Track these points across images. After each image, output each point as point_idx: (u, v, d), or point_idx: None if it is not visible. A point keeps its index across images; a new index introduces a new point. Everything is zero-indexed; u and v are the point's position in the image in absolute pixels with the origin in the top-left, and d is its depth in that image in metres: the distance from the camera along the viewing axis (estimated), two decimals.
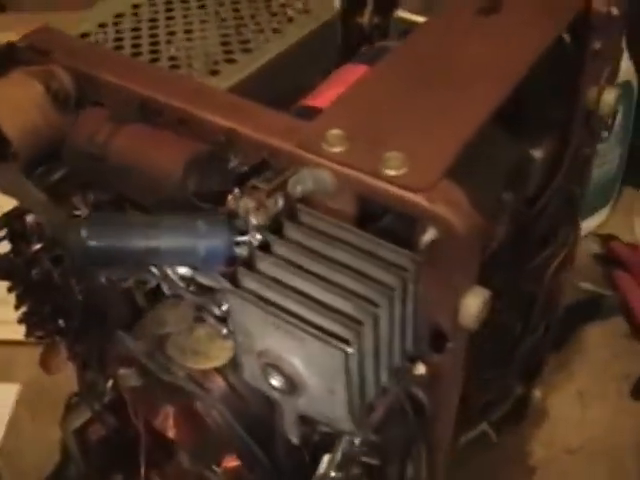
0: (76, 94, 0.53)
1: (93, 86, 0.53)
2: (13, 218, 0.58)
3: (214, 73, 0.53)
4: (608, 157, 1.05)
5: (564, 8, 0.55)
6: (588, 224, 1.10)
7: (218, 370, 0.56)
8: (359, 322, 0.38)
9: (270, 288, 0.39)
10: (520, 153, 0.55)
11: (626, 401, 0.92)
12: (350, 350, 0.36)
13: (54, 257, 0.58)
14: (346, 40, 0.65)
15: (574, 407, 0.91)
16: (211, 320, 0.51)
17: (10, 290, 0.63)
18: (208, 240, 0.41)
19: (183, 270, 0.50)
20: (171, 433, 0.64)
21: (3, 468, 0.86)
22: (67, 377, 0.72)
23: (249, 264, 0.41)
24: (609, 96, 0.61)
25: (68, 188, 0.52)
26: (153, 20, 0.58)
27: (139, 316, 0.58)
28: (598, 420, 0.90)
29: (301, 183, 0.43)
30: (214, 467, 0.63)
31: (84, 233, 0.39)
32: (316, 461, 0.49)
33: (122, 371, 0.63)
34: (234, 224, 0.42)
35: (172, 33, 0.57)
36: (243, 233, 0.43)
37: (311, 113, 0.50)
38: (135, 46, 0.56)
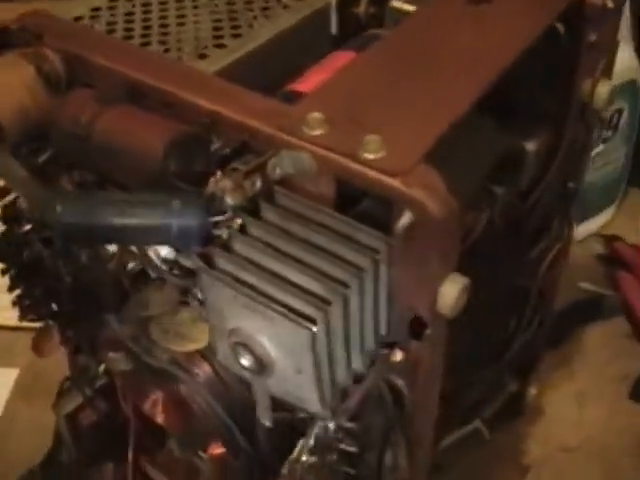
0: (67, 76, 0.54)
1: (84, 68, 0.53)
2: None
3: (202, 57, 0.53)
4: (613, 156, 1.04)
5: None
6: (592, 224, 1.09)
7: (204, 356, 0.57)
8: (328, 302, 0.38)
9: (242, 268, 0.40)
10: (507, 143, 0.55)
11: (624, 402, 0.91)
12: (315, 329, 0.36)
13: (44, 239, 0.59)
14: (343, 30, 0.65)
15: (572, 406, 0.91)
16: (194, 303, 0.52)
17: (4, 273, 0.64)
18: (182, 219, 0.41)
19: (165, 252, 0.51)
20: (160, 419, 0.64)
21: None
22: (66, 363, 0.72)
23: (225, 245, 0.41)
24: (603, 89, 0.60)
25: (55, 169, 0.53)
26: (146, 4, 0.59)
27: (127, 300, 0.59)
28: (595, 420, 0.89)
29: (280, 165, 0.43)
30: (201, 453, 0.64)
31: (59, 209, 0.40)
32: None
33: (112, 355, 0.63)
34: (211, 205, 0.42)
35: (165, 17, 0.57)
36: (221, 214, 0.43)
37: (296, 98, 0.50)
38: (127, 30, 0.56)
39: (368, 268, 0.39)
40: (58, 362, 0.72)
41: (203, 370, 0.57)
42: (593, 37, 0.59)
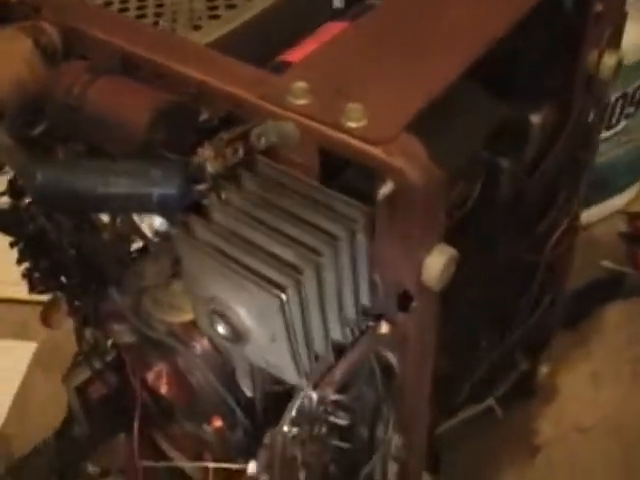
0: (63, 49, 0.54)
1: (79, 41, 0.53)
2: None
3: (197, 28, 0.53)
4: (635, 134, 1.01)
5: None
6: (616, 202, 1.07)
7: None
8: (299, 270, 0.37)
9: (218, 236, 0.39)
10: (504, 114, 0.54)
11: None
12: (284, 296, 0.36)
13: (47, 212, 0.59)
14: (347, 5, 0.64)
15: (587, 386, 0.89)
16: None
17: (12, 245, 0.65)
18: (161, 187, 0.41)
19: (158, 223, 0.51)
20: (164, 390, 0.65)
21: (12, 425, 0.88)
22: None
23: (204, 212, 0.41)
24: (610, 59, 0.59)
25: (51, 141, 0.53)
26: None
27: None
28: (611, 400, 0.88)
29: (265, 135, 0.43)
30: (205, 426, 0.64)
31: (39, 176, 0.40)
32: None
33: (116, 327, 0.64)
34: (193, 173, 0.42)
35: None
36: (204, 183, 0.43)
37: (285, 68, 0.49)
38: (123, 1, 0.56)
39: (343, 237, 0.39)
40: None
41: (200, 343, 0.57)
42: (599, 7, 0.57)
